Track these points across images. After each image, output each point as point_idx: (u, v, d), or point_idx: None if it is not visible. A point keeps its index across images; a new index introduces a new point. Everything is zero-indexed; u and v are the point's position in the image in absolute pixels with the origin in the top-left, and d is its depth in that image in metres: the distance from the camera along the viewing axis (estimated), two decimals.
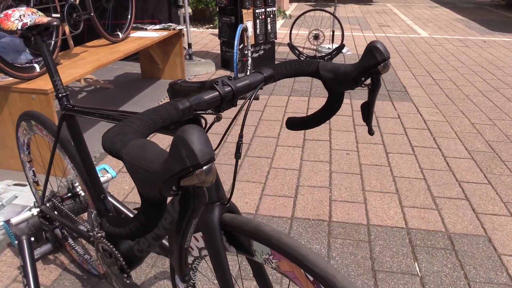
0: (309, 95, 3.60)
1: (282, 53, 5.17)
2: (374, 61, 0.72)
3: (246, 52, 3.81)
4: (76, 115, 1.12)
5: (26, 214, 1.42)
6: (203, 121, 0.76)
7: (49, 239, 1.63)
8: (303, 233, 1.85)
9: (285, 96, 3.60)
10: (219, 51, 4.68)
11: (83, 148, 1.23)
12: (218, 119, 0.72)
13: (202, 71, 4.27)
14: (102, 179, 1.80)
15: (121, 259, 1.21)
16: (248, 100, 0.72)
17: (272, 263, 0.73)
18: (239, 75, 3.73)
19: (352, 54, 5.14)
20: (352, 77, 0.75)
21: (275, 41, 4.47)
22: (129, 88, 3.82)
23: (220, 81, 0.68)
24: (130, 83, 3.96)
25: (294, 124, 0.89)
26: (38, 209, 1.45)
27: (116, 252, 1.21)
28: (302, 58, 4.52)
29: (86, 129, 2.88)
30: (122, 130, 0.55)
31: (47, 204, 1.46)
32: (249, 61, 3.81)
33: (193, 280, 1.02)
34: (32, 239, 1.49)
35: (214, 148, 0.50)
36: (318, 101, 3.47)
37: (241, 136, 0.73)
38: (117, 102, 3.42)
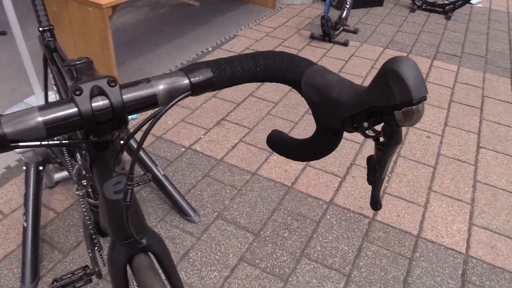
0: (409, 51, 3.04)
1: None
2: (388, 100, 0.38)
3: None
4: (51, 61, 0.93)
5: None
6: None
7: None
8: (335, 226, 1.57)
9: (379, 47, 3.08)
10: None
11: None
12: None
13: (297, 0, 3.83)
14: None
15: (92, 225, 1.07)
16: (149, 122, 0.45)
17: None
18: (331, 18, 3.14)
19: (483, 7, 4.21)
20: (349, 113, 0.42)
21: None
22: (214, 8, 3.57)
23: (89, 88, 0.41)
24: (218, 3, 3.70)
25: (277, 143, 0.58)
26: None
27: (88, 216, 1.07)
28: (416, 4, 3.79)
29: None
30: None
31: None
32: None
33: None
34: (41, 168, 1.43)
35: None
36: (419, 61, 2.91)
37: (130, 177, 0.48)
38: (191, 21, 3.22)
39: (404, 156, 1.97)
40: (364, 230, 1.57)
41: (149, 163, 1.55)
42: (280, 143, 0.57)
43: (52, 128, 0.40)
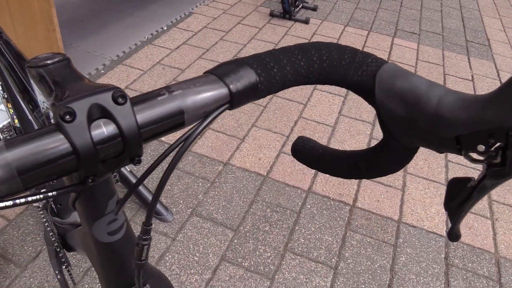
0: (369, 28, 3.00)
1: None
2: (507, 120, 0.28)
3: None
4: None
5: None
6: None
7: None
8: (317, 215, 1.51)
9: (340, 25, 3.02)
10: None
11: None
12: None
13: None
14: None
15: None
16: (177, 147, 0.32)
17: None
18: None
19: None
20: (457, 133, 0.31)
21: None
22: None
23: (86, 109, 0.27)
24: None
25: (305, 154, 0.46)
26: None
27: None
28: None
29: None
30: None
31: (0, 136, 1.17)
32: None
33: None
34: None
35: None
36: (381, 39, 2.89)
37: (145, 233, 0.36)
38: None
39: (376, 137, 1.94)
40: (346, 219, 1.52)
41: None
42: (312, 154, 0.46)
43: (31, 178, 0.26)
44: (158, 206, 1.44)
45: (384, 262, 1.38)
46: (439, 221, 1.55)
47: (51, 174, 0.26)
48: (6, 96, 1.42)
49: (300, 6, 3.14)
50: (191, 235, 1.39)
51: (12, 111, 1.43)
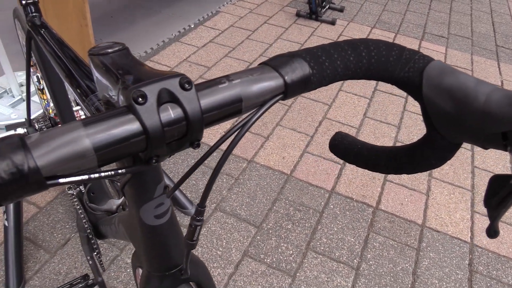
0: (397, 31, 2.98)
1: None
2: None
3: None
4: (38, 38, 0.78)
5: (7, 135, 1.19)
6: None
7: None
8: (339, 216, 1.51)
9: (367, 26, 3.00)
10: None
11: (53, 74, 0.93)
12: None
13: None
14: None
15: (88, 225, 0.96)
16: (235, 133, 0.34)
17: None
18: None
19: None
20: (504, 128, 0.31)
21: None
22: None
23: (156, 93, 0.29)
24: None
25: (343, 148, 0.47)
26: (25, 131, 1.21)
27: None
28: None
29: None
30: None
31: (36, 126, 1.21)
32: None
33: None
34: None
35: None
36: (408, 42, 2.86)
37: (199, 215, 0.37)
38: None
39: (402, 141, 1.92)
40: (369, 220, 1.51)
41: None
42: (351, 148, 0.47)
43: (105, 155, 0.27)
44: (183, 199, 1.47)
45: (406, 265, 1.37)
46: (463, 227, 1.53)
47: (122, 153, 0.28)
48: (42, 87, 1.47)
49: (327, 7, 3.14)
50: (215, 229, 1.41)
51: (46, 102, 1.48)
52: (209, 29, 2.71)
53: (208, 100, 0.32)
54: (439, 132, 0.36)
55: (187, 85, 0.30)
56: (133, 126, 0.28)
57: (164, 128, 0.29)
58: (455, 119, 0.34)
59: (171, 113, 0.29)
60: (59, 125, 0.26)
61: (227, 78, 0.33)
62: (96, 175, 0.28)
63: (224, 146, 1.72)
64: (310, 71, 0.35)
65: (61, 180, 0.26)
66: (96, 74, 0.35)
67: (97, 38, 2.48)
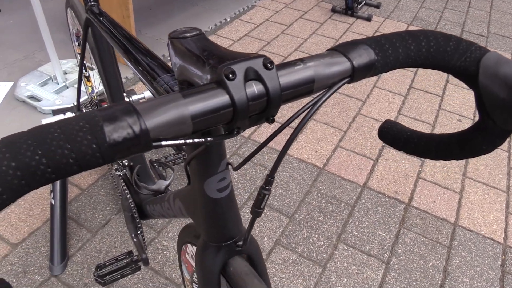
0: (434, 28, 2.93)
1: None
2: None
3: None
4: (98, 25, 0.83)
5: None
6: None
7: None
8: (371, 210, 1.53)
9: (403, 23, 2.97)
10: None
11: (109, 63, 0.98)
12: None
13: None
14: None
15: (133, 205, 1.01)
16: (305, 112, 0.38)
17: None
18: None
19: None
20: None
21: None
22: None
23: (243, 71, 0.33)
24: None
25: (392, 135, 0.49)
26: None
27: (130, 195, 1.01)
28: None
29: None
30: None
31: (84, 111, 1.28)
32: None
33: None
34: None
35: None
36: None
37: (268, 184, 0.41)
38: None
39: None
40: (401, 216, 1.52)
41: None
42: (400, 135, 0.49)
43: (199, 123, 0.31)
44: None
45: (437, 262, 1.38)
46: (497, 228, 1.52)
47: (212, 122, 0.32)
48: (88, 74, 1.53)
49: (363, 3, 3.12)
50: (248, 218, 1.45)
51: (92, 89, 1.55)
52: (245, 23, 2.74)
53: (286, 79, 0.35)
54: (493, 118, 0.39)
55: (269, 65, 0.34)
56: (223, 98, 0.32)
57: (249, 102, 0.33)
58: (510, 105, 0.36)
59: (255, 89, 0.33)
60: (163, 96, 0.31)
61: (302, 61, 0.37)
62: (190, 140, 0.32)
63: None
64: (375, 57, 0.38)
65: (164, 143, 0.30)
66: (176, 56, 0.39)
67: (137, 29, 2.55)
